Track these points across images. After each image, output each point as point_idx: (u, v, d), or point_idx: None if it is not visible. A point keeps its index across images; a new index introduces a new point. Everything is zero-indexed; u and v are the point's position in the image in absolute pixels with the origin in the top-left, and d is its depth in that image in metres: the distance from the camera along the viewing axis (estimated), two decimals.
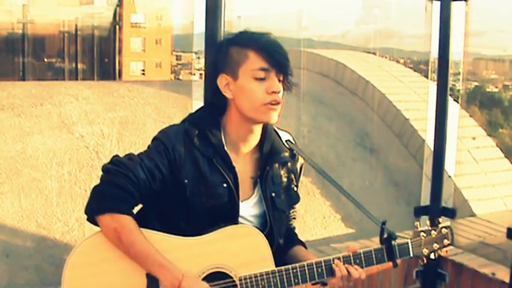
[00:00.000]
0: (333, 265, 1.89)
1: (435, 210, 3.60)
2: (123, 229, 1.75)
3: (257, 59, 1.86)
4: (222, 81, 1.90)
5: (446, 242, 2.03)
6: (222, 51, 1.92)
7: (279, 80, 1.89)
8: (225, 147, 1.91)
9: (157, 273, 1.77)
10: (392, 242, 1.94)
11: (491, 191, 4.94)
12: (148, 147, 1.90)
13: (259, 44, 1.87)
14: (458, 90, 4.98)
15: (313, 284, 1.90)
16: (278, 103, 1.88)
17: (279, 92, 1.87)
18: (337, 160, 5.17)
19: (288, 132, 2.08)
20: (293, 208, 2.13)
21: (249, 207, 1.96)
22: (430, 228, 2.04)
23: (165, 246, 1.80)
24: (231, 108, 1.92)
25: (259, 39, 1.88)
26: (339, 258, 1.90)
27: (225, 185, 1.89)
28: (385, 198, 4.90)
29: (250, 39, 1.89)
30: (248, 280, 1.83)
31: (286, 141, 2.01)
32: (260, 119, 1.90)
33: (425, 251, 2.01)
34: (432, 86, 3.93)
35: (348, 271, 1.89)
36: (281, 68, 1.88)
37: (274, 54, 1.86)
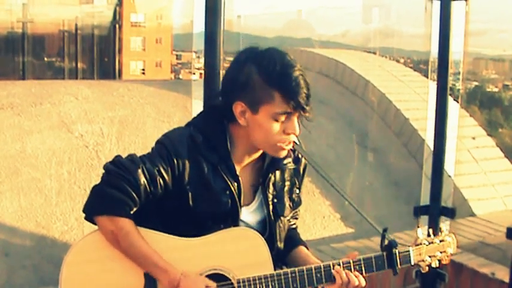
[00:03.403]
0: (333, 271, 1.87)
1: (435, 209, 3.59)
2: (120, 231, 1.74)
3: (282, 103, 1.79)
4: (238, 108, 1.83)
5: (449, 251, 2.00)
6: (243, 75, 1.82)
7: (299, 117, 1.85)
8: (231, 156, 1.89)
9: (156, 274, 1.76)
10: (393, 250, 1.91)
11: (491, 190, 4.94)
12: (152, 149, 1.89)
13: (288, 87, 1.78)
14: (458, 90, 4.97)
15: None
16: (290, 144, 1.86)
17: (295, 135, 1.85)
18: (337, 160, 5.17)
19: None
20: (295, 210, 2.12)
21: (250, 212, 1.94)
22: (433, 236, 1.99)
23: (164, 246, 1.79)
24: (241, 128, 1.87)
25: (288, 80, 1.79)
26: (338, 264, 1.88)
27: (227, 192, 1.87)
28: (385, 198, 4.90)
29: (278, 79, 1.79)
30: (246, 283, 1.82)
31: None
32: (270, 153, 1.90)
33: (427, 259, 1.97)
34: (432, 86, 3.92)
35: (348, 278, 1.87)
36: (304, 110, 1.82)
37: (300, 99, 1.79)
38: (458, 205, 4.49)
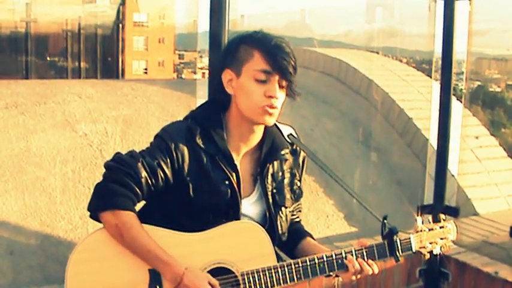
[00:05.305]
0: (345, 261, 1.89)
1: (438, 209, 3.60)
2: (124, 225, 1.76)
3: (261, 60, 1.86)
4: (226, 76, 1.91)
5: (449, 237, 2.02)
6: (232, 47, 1.93)
7: (281, 86, 1.89)
8: (228, 145, 1.92)
9: (159, 268, 1.77)
10: (394, 237, 1.93)
11: (494, 190, 4.94)
12: (151, 144, 1.91)
13: (266, 46, 1.87)
14: (461, 90, 4.98)
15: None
16: (274, 108, 1.88)
17: (276, 98, 1.87)
18: (340, 159, 5.17)
19: (291, 126, 2.08)
20: (297, 202, 2.13)
21: (250, 204, 1.97)
22: (433, 223, 2.02)
23: (167, 242, 1.81)
24: (233, 105, 1.93)
25: (268, 42, 1.87)
26: (340, 254, 1.90)
27: (227, 182, 1.90)
28: (388, 197, 4.90)
29: (259, 40, 1.89)
30: (250, 275, 1.83)
31: (288, 135, 2.02)
32: (256, 120, 1.90)
33: (427, 246, 1.99)
34: (435, 85, 3.93)
35: (361, 267, 1.89)
36: (284, 74, 1.87)
37: (278, 59, 1.85)
38: (462, 204, 4.49)
